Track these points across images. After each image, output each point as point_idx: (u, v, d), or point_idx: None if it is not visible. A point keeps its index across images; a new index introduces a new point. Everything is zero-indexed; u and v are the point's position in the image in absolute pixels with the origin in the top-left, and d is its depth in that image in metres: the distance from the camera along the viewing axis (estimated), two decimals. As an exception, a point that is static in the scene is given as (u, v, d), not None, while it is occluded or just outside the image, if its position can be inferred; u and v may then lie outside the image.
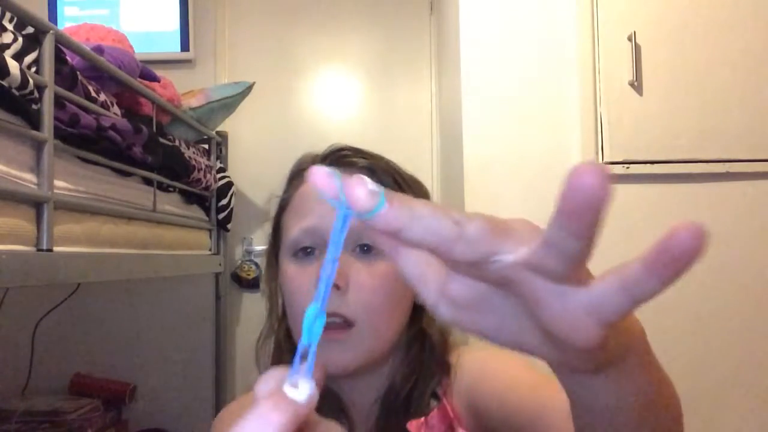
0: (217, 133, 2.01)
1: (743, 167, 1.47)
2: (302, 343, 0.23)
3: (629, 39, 1.48)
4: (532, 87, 1.54)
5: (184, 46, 2.27)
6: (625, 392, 0.30)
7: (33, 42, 1.00)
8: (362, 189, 0.22)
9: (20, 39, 0.98)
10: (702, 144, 1.47)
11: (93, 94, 1.18)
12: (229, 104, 1.88)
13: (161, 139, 1.45)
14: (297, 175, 0.71)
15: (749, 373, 1.48)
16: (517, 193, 1.51)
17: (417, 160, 2.24)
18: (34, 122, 0.96)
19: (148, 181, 1.40)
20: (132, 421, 2.10)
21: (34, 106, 0.96)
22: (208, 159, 1.90)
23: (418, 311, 0.67)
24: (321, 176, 0.22)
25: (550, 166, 1.49)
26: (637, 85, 1.47)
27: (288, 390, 0.23)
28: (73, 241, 1.06)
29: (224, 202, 1.96)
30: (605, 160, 1.47)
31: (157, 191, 1.44)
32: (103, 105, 1.21)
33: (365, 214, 0.22)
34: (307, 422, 0.26)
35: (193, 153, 1.72)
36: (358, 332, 0.60)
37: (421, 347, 0.67)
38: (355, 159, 0.68)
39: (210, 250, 1.93)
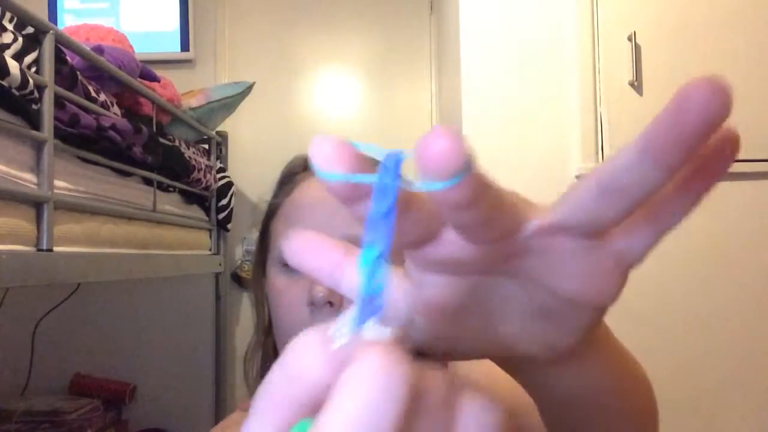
0: (217, 133, 2.01)
1: (743, 167, 1.47)
2: (360, 292, 0.18)
3: (629, 39, 1.48)
4: (532, 87, 1.54)
5: (184, 46, 2.27)
6: (594, 377, 0.30)
7: (33, 42, 1.00)
8: (457, 142, 0.17)
9: (20, 39, 0.97)
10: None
11: (93, 94, 1.18)
12: (229, 104, 1.88)
13: (161, 139, 1.45)
14: (288, 180, 0.66)
15: (749, 373, 1.48)
16: (517, 193, 1.50)
17: (417, 160, 2.24)
18: (34, 122, 0.96)
19: (148, 181, 1.40)
20: (132, 421, 2.10)
21: (34, 106, 0.96)
22: (208, 159, 1.90)
23: None
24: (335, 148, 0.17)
25: (550, 166, 1.49)
26: (637, 85, 1.47)
27: (378, 336, 0.18)
28: (73, 241, 1.06)
29: (224, 202, 1.96)
30: (605, 160, 1.47)
31: (157, 191, 1.44)
32: (103, 105, 1.21)
33: (449, 172, 0.17)
34: None
35: (193, 153, 1.72)
36: None
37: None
38: None
39: (210, 250, 1.93)
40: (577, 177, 1.45)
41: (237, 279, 2.21)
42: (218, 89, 1.88)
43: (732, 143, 0.19)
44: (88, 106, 1.13)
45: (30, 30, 1.01)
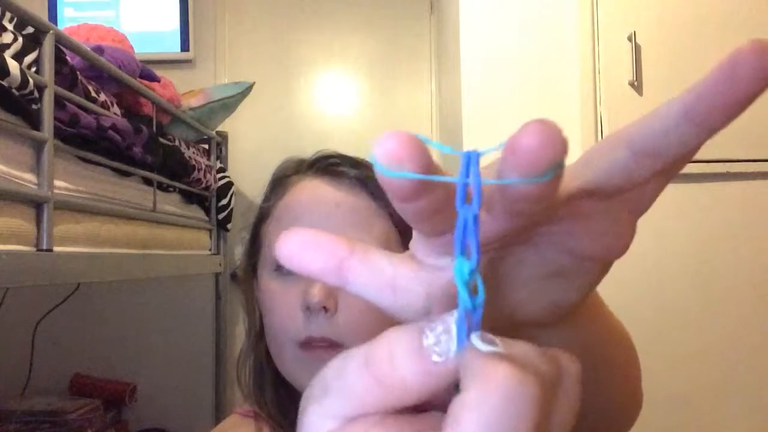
0: (217, 133, 2.01)
1: (743, 167, 1.47)
2: (463, 305, 0.18)
3: (629, 39, 1.48)
4: (532, 87, 1.54)
5: (184, 46, 2.27)
6: (585, 333, 0.30)
7: (33, 42, 1.00)
8: (556, 136, 0.16)
9: (20, 39, 0.98)
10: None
11: (93, 94, 1.18)
12: (229, 104, 1.88)
13: (161, 139, 1.45)
14: (280, 183, 0.65)
15: (749, 373, 1.48)
16: (517, 193, 1.50)
17: (417, 160, 2.25)
18: (34, 122, 0.96)
19: (148, 181, 1.40)
20: (132, 421, 2.10)
21: (34, 106, 0.96)
22: (208, 159, 1.90)
23: None
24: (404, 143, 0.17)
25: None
26: (637, 85, 1.47)
27: (494, 348, 0.17)
28: (73, 241, 1.06)
29: (224, 202, 1.96)
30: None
31: (157, 191, 1.44)
32: (103, 105, 1.21)
33: (543, 169, 0.16)
34: None
35: (193, 153, 1.72)
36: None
37: None
38: (344, 168, 0.61)
39: (210, 250, 1.93)
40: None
41: (237, 279, 2.21)
42: (218, 89, 1.88)
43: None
44: (88, 106, 1.13)
45: (30, 30, 1.01)
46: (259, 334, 0.64)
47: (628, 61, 1.47)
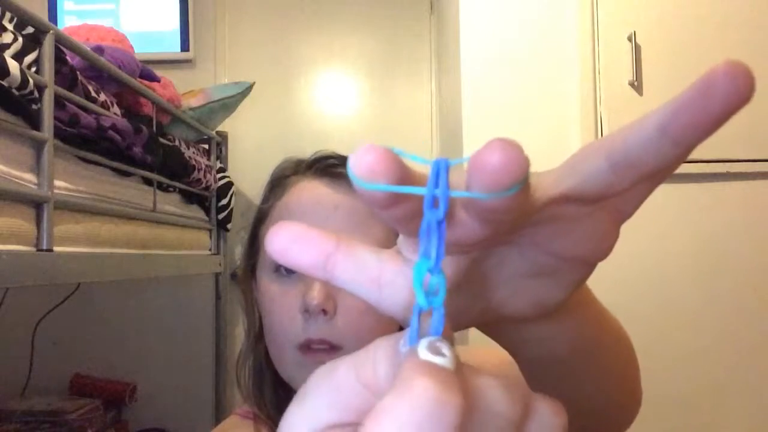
0: (217, 133, 2.01)
1: (743, 167, 1.47)
2: (418, 305, 0.18)
3: (629, 39, 1.48)
4: (532, 87, 1.54)
5: (184, 46, 2.27)
6: (575, 332, 0.30)
7: (33, 42, 1.00)
8: (518, 155, 0.17)
9: (20, 39, 0.97)
10: (702, 144, 1.47)
11: (93, 94, 1.18)
12: (229, 104, 1.88)
13: (161, 139, 1.45)
14: (278, 183, 0.64)
15: (749, 373, 1.48)
16: (517, 193, 1.50)
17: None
18: (34, 122, 0.96)
19: (148, 181, 1.40)
20: (132, 421, 2.10)
21: (34, 106, 0.96)
22: (208, 159, 1.90)
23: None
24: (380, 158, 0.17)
25: (550, 167, 1.48)
26: (637, 85, 1.47)
27: (434, 358, 0.17)
28: (73, 241, 1.06)
29: (224, 202, 1.96)
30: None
31: (157, 191, 1.44)
32: (103, 105, 1.21)
33: (506, 186, 0.17)
34: None
35: (193, 153, 1.72)
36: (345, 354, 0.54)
37: None
38: (342, 170, 0.60)
39: (210, 250, 1.93)
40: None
41: (237, 279, 2.21)
42: (218, 89, 1.88)
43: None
44: (88, 106, 1.13)
45: (30, 30, 1.01)
46: (258, 335, 0.64)
47: (628, 61, 1.47)
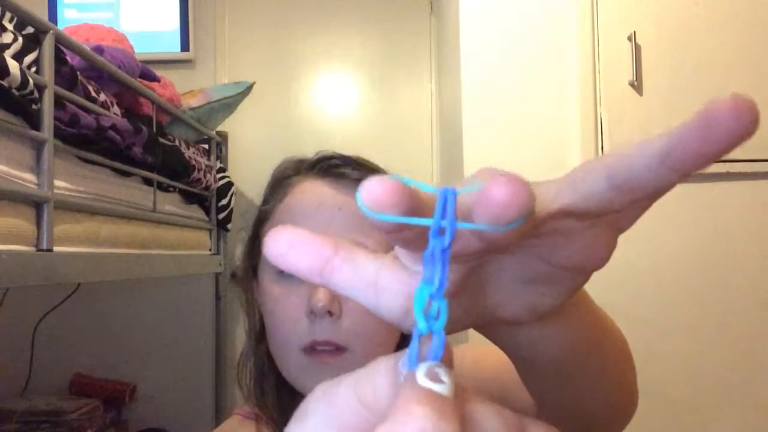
0: (217, 133, 2.01)
1: (743, 167, 1.47)
2: (418, 329, 0.18)
3: (629, 39, 1.48)
4: (532, 87, 1.54)
5: (184, 46, 2.27)
6: (572, 334, 0.31)
7: (33, 42, 1.00)
8: (524, 191, 0.17)
9: (20, 39, 0.97)
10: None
11: (93, 94, 1.18)
12: (229, 104, 1.88)
13: (161, 139, 1.45)
14: (280, 184, 0.64)
15: (749, 373, 1.48)
16: (517, 193, 1.50)
17: (417, 160, 2.25)
18: (34, 122, 0.96)
19: (148, 181, 1.40)
20: (132, 421, 2.10)
21: (34, 106, 0.96)
22: (208, 159, 1.90)
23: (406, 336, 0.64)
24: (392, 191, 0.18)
25: (550, 167, 1.49)
26: (637, 85, 1.47)
27: (432, 385, 0.17)
28: (73, 241, 1.06)
29: (224, 202, 1.96)
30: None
31: (157, 191, 1.44)
32: (103, 105, 1.21)
33: (509, 221, 0.17)
34: None
35: (193, 153, 1.72)
36: (351, 357, 0.55)
37: None
38: (345, 170, 0.61)
39: (210, 250, 1.93)
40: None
41: (236, 279, 2.21)
42: (218, 89, 1.88)
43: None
44: (88, 106, 1.13)
45: (30, 30, 1.01)
46: (259, 336, 0.64)
47: (628, 61, 1.47)
